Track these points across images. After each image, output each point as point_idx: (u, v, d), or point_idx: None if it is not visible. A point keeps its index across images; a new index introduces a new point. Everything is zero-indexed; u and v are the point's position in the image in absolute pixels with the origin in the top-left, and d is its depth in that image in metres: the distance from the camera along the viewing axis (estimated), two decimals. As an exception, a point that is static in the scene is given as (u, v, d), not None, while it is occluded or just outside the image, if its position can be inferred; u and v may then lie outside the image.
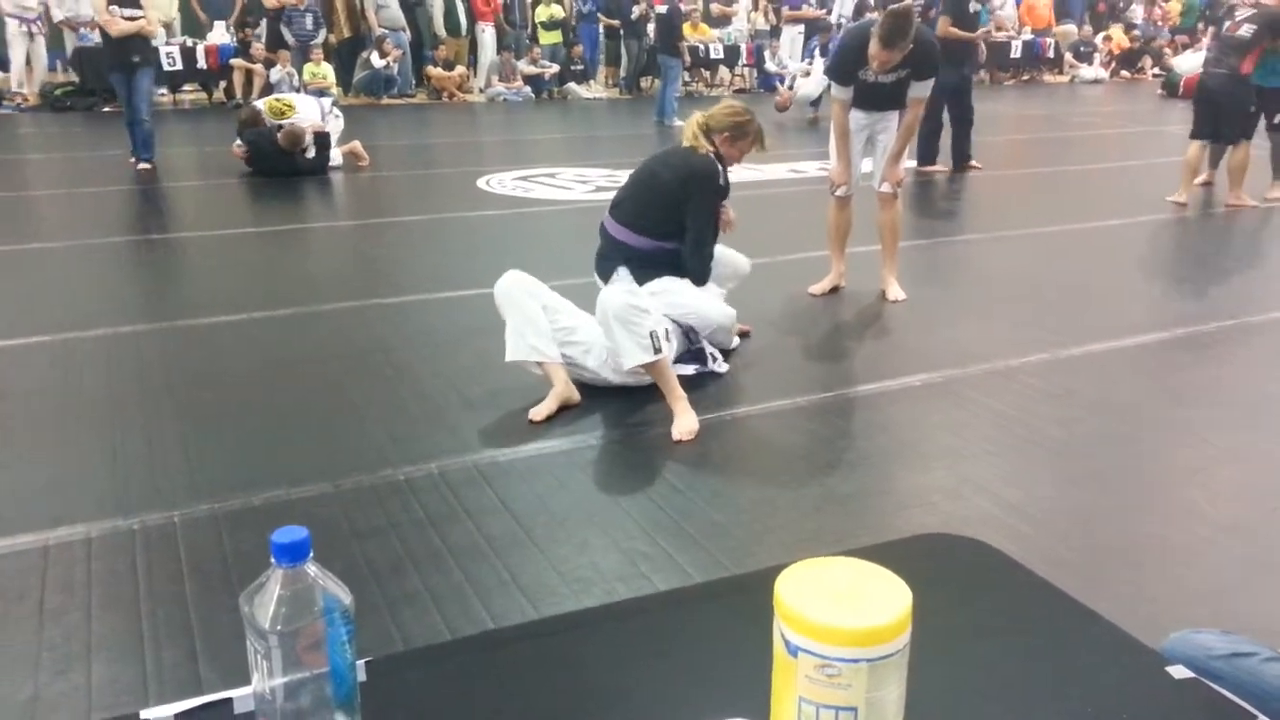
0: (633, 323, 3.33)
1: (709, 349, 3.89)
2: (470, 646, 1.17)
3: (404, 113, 12.96)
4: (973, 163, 8.61)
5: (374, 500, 2.85)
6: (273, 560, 0.84)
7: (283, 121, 7.91)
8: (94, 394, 3.58)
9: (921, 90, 4.57)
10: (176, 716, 0.97)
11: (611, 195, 4.09)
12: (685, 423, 3.33)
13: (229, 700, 0.99)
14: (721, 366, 3.87)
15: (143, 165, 7.91)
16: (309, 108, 8.33)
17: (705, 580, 2.30)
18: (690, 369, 3.78)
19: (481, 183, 7.90)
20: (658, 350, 3.35)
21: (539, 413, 3.40)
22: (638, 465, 3.16)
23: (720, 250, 4.13)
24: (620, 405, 3.57)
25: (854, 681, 0.78)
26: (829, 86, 4.84)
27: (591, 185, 7.78)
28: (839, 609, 0.79)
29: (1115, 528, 2.83)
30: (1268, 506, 2.95)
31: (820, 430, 3.43)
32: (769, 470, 3.15)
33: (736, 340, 4.17)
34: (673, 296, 3.82)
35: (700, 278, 3.96)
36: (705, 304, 3.92)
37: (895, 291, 4.86)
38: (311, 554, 0.85)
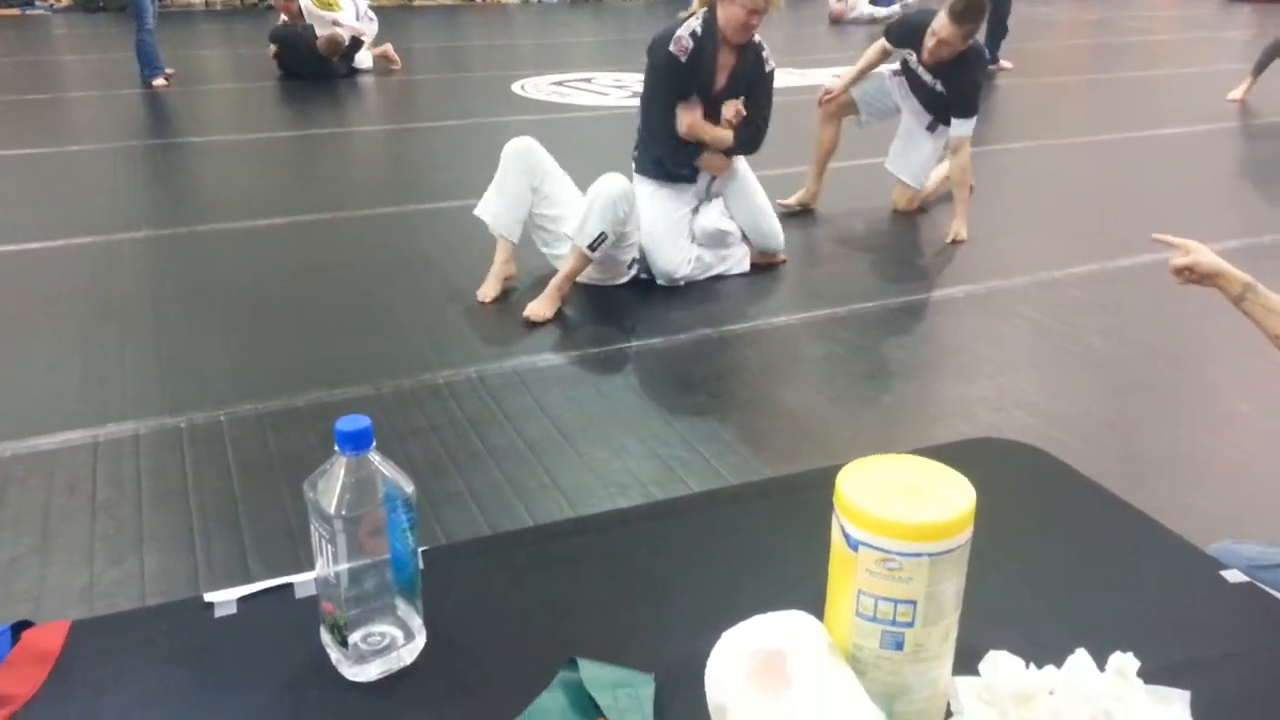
0: (598, 211, 3.37)
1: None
2: (522, 539, 1.19)
3: (436, 15, 12.73)
4: (1002, 63, 8.29)
5: (414, 403, 2.88)
6: (336, 448, 0.85)
7: (326, 14, 7.75)
8: (137, 296, 3.62)
9: (963, 129, 4.33)
10: (239, 600, 0.99)
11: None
12: (540, 305, 3.42)
13: (290, 586, 1.01)
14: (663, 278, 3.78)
15: (157, 82, 7.43)
16: (348, 7, 8.18)
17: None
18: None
19: (516, 87, 7.78)
20: (590, 247, 3.40)
21: (485, 293, 3.60)
22: (675, 372, 3.16)
23: (758, 223, 3.94)
24: (657, 312, 3.57)
25: (915, 576, 0.77)
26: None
27: (629, 90, 7.63)
28: (902, 504, 0.78)
29: (1158, 440, 2.80)
30: (1315, 422, 2.90)
31: (859, 340, 3.40)
32: (807, 379, 3.14)
33: (740, 264, 3.97)
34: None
35: (639, 164, 3.85)
36: (651, 227, 3.74)
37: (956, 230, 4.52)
38: (374, 443, 0.86)
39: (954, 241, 4.32)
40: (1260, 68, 7.41)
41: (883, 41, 4.51)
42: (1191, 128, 6.77)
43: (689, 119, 3.71)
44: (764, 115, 3.84)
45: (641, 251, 3.73)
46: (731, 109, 3.70)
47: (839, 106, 4.71)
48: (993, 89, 8.03)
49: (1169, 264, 1.67)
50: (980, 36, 4.41)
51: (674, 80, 3.66)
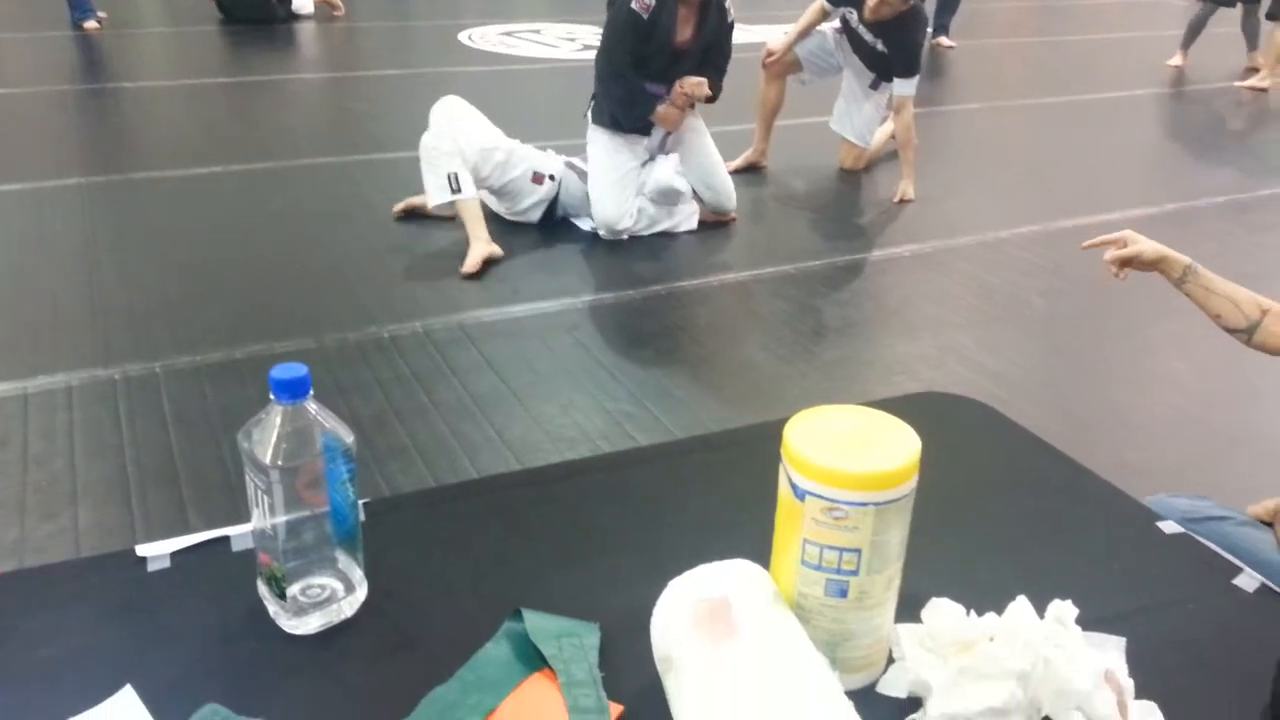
0: (432, 163, 3.45)
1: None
2: (468, 491, 1.17)
3: (381, -39, 12.38)
4: (944, 40, 8.01)
5: (359, 357, 2.84)
6: (271, 396, 0.82)
7: None
8: (69, 245, 3.50)
9: (905, 88, 4.32)
10: (173, 554, 0.96)
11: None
12: (473, 253, 3.40)
13: (226, 538, 0.98)
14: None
15: (89, 24, 7.10)
16: None
17: (691, 440, 2.32)
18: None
19: (463, 37, 7.62)
20: (455, 190, 3.44)
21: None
22: (623, 327, 3.15)
23: (711, 179, 3.95)
24: (606, 268, 3.54)
25: (860, 524, 0.78)
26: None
27: (579, 43, 7.52)
28: (848, 454, 0.78)
29: (1096, 397, 2.86)
30: (1244, 380, 2.98)
31: (806, 298, 3.41)
32: (755, 336, 3.15)
33: (688, 221, 3.96)
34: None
35: (594, 114, 3.82)
36: (597, 176, 3.75)
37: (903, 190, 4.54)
38: (311, 392, 0.83)
39: (901, 201, 4.35)
40: (1187, 42, 7.58)
41: (822, 1, 4.49)
42: (1132, 91, 6.86)
43: (659, 112, 3.74)
44: (723, 65, 3.82)
45: (587, 199, 3.71)
46: (690, 84, 3.68)
47: (783, 66, 4.68)
48: (939, 50, 8.05)
49: (1107, 257, 1.67)
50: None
51: (634, 37, 3.61)
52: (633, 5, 3.55)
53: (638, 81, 3.70)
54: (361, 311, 3.10)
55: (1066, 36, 9.28)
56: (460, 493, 1.20)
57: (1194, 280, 1.63)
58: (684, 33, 3.67)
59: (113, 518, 2.14)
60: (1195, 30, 7.49)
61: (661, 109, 3.74)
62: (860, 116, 4.72)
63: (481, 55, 7.09)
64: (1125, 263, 1.69)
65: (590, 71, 3.89)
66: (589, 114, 3.84)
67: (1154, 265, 1.67)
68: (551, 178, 3.75)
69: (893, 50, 4.34)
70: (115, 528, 2.10)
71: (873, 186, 4.65)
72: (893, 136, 4.67)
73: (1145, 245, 1.66)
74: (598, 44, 3.82)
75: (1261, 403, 2.87)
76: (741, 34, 3.90)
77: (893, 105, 4.43)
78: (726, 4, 3.73)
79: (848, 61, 4.65)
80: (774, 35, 4.86)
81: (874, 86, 4.64)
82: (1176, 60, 7.63)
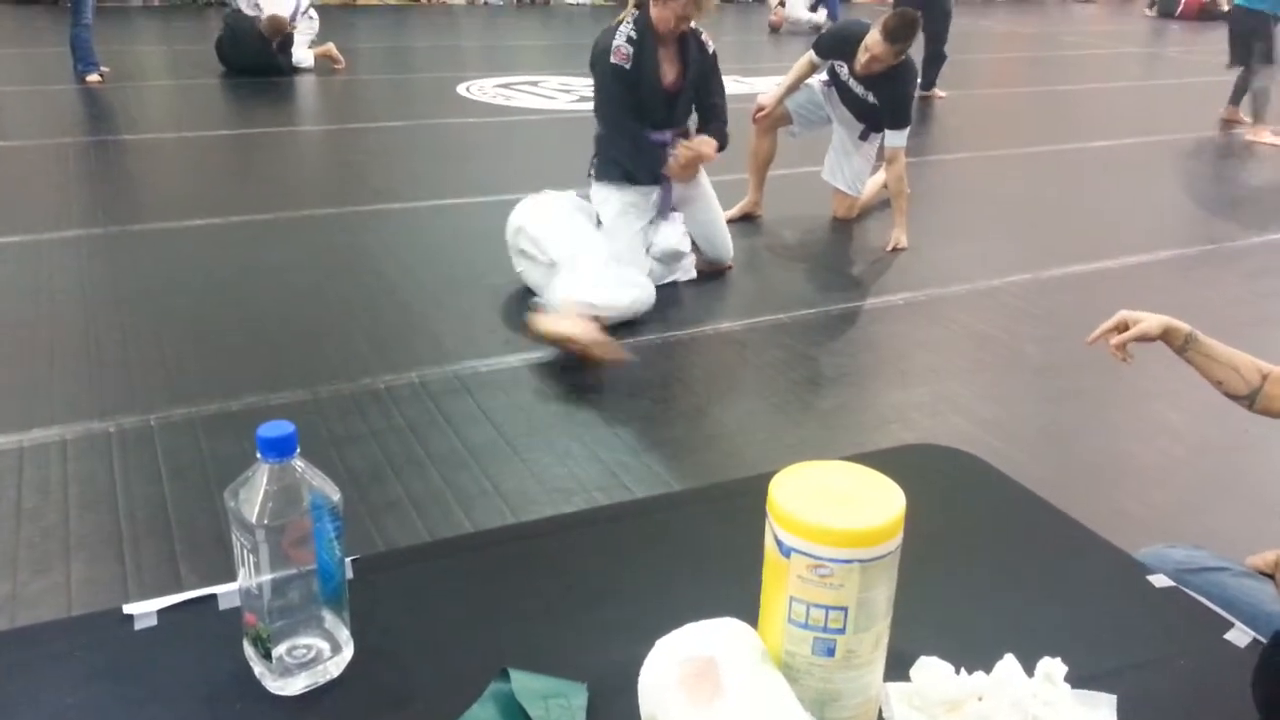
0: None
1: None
2: (457, 546, 1.17)
3: (381, 14, 12.59)
4: (938, 91, 8.05)
5: (354, 408, 2.84)
6: (259, 455, 0.82)
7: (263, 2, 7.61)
8: (66, 297, 3.52)
9: (897, 140, 4.39)
10: (160, 612, 0.96)
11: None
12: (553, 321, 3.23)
13: (213, 597, 0.98)
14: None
15: (91, 78, 7.18)
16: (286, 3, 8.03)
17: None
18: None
19: (461, 89, 7.72)
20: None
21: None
22: (619, 378, 3.15)
23: (712, 236, 3.99)
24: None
25: (846, 582, 0.77)
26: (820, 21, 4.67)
27: (575, 95, 7.62)
28: (833, 510, 0.78)
29: (1090, 446, 2.86)
30: (1239, 428, 2.98)
31: (801, 347, 3.42)
32: (750, 385, 3.15)
33: (686, 273, 3.96)
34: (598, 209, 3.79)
35: (598, 170, 3.81)
36: (613, 245, 3.67)
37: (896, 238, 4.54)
38: (298, 450, 0.84)
39: (894, 249, 4.38)
40: (1236, 98, 7.51)
41: (811, 54, 4.55)
42: (1121, 140, 6.94)
43: (671, 167, 3.75)
44: (720, 101, 3.86)
45: None
46: (697, 144, 3.75)
47: (774, 119, 4.74)
48: (931, 100, 8.15)
49: (1113, 343, 1.68)
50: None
51: (622, 88, 3.65)
52: (612, 60, 3.61)
53: (640, 132, 3.72)
54: (357, 362, 3.10)
55: (1055, 86, 9.41)
56: (448, 548, 1.20)
57: (1195, 349, 1.65)
58: (670, 74, 3.71)
59: (105, 572, 2.12)
60: (1241, 89, 7.48)
61: (674, 166, 3.74)
62: (850, 167, 4.78)
63: (479, 107, 7.18)
64: (1128, 342, 1.70)
65: (587, 122, 3.94)
66: (592, 172, 3.84)
67: (1160, 337, 1.68)
68: None
69: (884, 102, 4.40)
70: (108, 582, 2.09)
71: (866, 235, 4.69)
72: (885, 186, 4.72)
73: (1149, 322, 1.68)
74: (593, 97, 3.86)
75: (1257, 452, 2.87)
76: (734, 86, 3.98)
77: (885, 156, 4.48)
78: (703, 37, 3.78)
79: (836, 113, 4.71)
80: (769, 85, 4.92)
81: (863, 137, 4.70)
82: (1228, 114, 7.58)
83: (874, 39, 4.19)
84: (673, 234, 3.85)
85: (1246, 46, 7.17)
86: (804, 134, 4.84)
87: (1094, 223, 5.00)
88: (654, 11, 3.57)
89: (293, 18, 7.91)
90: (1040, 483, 1.26)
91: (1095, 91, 9.19)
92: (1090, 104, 8.56)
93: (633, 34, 3.60)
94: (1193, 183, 6.21)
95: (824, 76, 4.66)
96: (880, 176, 4.82)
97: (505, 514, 2.38)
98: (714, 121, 3.83)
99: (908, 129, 4.42)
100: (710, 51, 3.80)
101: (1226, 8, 7.41)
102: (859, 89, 4.45)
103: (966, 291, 3.95)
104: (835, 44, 4.46)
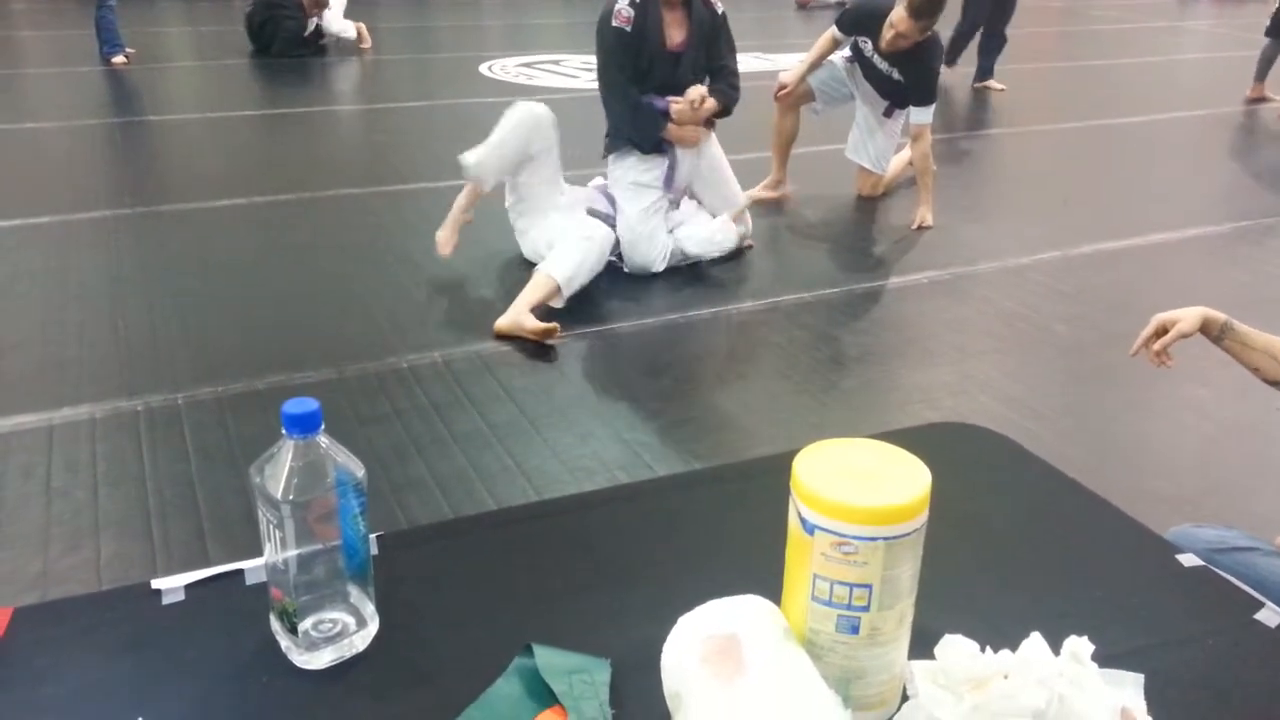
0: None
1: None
2: (481, 524, 1.17)
3: (404, -5, 12.55)
4: (993, 83, 7.68)
5: (378, 387, 2.85)
6: (284, 431, 0.83)
7: None
8: (96, 277, 3.55)
9: (923, 116, 4.33)
10: (187, 587, 0.97)
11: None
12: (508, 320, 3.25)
13: (240, 572, 0.99)
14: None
15: (117, 59, 7.21)
16: None
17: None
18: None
19: (484, 69, 7.71)
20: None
21: (445, 243, 3.60)
22: (641, 357, 3.15)
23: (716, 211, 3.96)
24: (624, 297, 3.55)
25: (870, 559, 0.77)
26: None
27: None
28: (857, 488, 0.78)
29: (1119, 425, 2.83)
30: (1269, 406, 2.94)
31: (824, 326, 3.41)
32: (772, 364, 3.14)
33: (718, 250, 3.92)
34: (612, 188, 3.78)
35: (610, 145, 3.81)
36: (628, 224, 3.70)
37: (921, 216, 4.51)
38: (323, 426, 0.84)
39: (919, 227, 4.34)
40: (1261, 74, 7.36)
41: (833, 30, 4.49)
42: (1151, 116, 6.84)
43: (672, 130, 3.70)
44: (730, 63, 3.81)
45: (618, 242, 3.68)
46: (696, 93, 3.64)
47: (796, 97, 4.70)
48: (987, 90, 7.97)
49: (1154, 348, 1.67)
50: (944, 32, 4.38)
51: (625, 52, 3.61)
52: (613, 23, 3.58)
53: (638, 96, 3.67)
54: (381, 342, 3.12)
55: (1088, 61, 9.27)
56: (472, 525, 1.21)
57: (1231, 336, 1.64)
58: (675, 36, 3.65)
59: (134, 548, 2.15)
60: (1268, 62, 7.35)
61: (674, 129, 3.71)
62: (874, 144, 4.73)
63: (502, 86, 7.16)
64: (1171, 343, 1.69)
65: (608, 101, 3.92)
66: (606, 148, 3.83)
67: (1200, 330, 1.67)
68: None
69: (909, 79, 4.35)
70: (136, 558, 2.12)
71: (890, 213, 4.65)
72: (909, 163, 4.67)
73: (1185, 321, 1.67)
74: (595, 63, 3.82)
75: (1288, 430, 2.83)
76: (757, 63, 3.94)
77: (910, 133, 4.44)
78: None
79: (860, 90, 4.66)
80: (791, 63, 4.88)
81: (887, 114, 4.65)
82: (1254, 92, 7.42)
83: (899, 15, 4.13)
84: (707, 229, 3.83)
85: None
86: (827, 111, 4.79)
87: (1124, 199, 4.94)
88: None
89: None
90: (1068, 462, 1.25)
91: (1125, 66, 9.05)
92: (1120, 79, 8.43)
93: None
94: (1223, 159, 6.11)
95: (847, 53, 4.61)
96: (905, 154, 4.77)
97: (528, 492, 2.39)
98: (721, 81, 3.78)
99: (933, 105, 4.37)
100: (719, 12, 3.76)
101: None
102: (884, 66, 4.40)
103: (993, 270, 3.91)
104: (859, 20, 4.41)
